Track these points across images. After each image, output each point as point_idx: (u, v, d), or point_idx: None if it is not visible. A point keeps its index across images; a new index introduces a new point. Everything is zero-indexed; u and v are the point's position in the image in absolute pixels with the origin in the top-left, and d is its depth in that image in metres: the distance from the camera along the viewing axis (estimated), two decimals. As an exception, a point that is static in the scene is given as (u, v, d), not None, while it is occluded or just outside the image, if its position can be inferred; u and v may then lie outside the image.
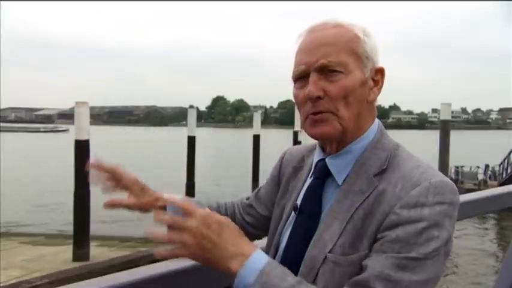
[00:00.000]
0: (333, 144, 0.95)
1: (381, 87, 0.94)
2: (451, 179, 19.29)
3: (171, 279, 1.08)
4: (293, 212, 1.00)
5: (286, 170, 1.11)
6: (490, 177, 20.88)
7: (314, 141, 1.03)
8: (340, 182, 0.92)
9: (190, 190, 14.44)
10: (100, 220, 14.14)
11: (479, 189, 8.48)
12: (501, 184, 17.54)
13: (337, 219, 0.87)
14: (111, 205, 1.10)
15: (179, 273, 1.09)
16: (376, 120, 0.96)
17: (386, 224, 0.81)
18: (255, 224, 1.19)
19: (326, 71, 0.89)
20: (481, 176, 20.77)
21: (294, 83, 0.95)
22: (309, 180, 1.01)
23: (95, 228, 11.84)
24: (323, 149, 0.99)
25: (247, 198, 1.23)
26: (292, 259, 0.92)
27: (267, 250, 1.04)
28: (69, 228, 11.31)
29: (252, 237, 1.16)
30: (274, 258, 0.97)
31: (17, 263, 9.62)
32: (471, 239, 13.52)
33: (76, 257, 10.07)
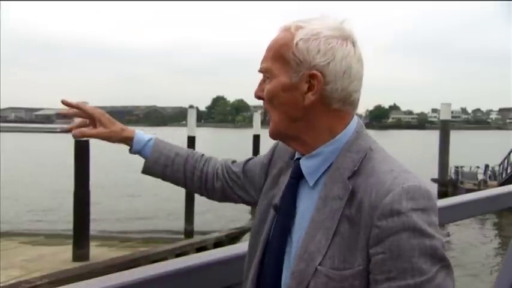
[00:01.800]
0: (294, 146, 0.97)
1: (317, 92, 0.89)
2: (451, 179, 19.35)
3: (171, 279, 1.08)
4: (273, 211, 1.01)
5: (277, 162, 1.09)
6: (490, 177, 20.87)
7: None
8: (311, 184, 0.92)
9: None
10: (100, 220, 14.15)
11: (479, 189, 8.49)
12: (501, 184, 17.52)
13: (320, 229, 0.86)
14: (81, 135, 1.20)
15: (179, 273, 1.09)
16: (353, 123, 0.93)
17: (373, 239, 0.80)
18: (236, 191, 1.22)
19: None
20: (481, 176, 20.76)
21: None
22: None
23: (94, 227, 11.85)
24: None
25: (233, 162, 1.26)
26: (273, 256, 0.96)
27: (254, 238, 1.03)
28: (69, 228, 11.31)
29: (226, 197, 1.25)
30: (263, 250, 0.99)
31: (17, 263, 9.62)
32: (471, 239, 13.52)
33: (76, 257, 10.06)
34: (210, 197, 1.28)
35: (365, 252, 0.81)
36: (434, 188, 20.97)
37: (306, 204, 0.92)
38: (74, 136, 1.21)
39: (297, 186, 0.96)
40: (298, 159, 0.97)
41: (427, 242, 0.78)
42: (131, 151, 1.23)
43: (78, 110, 1.22)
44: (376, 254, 0.79)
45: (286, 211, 0.95)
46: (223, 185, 1.22)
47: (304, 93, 0.90)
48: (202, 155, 1.29)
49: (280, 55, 0.91)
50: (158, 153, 1.21)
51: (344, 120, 0.92)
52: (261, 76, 0.97)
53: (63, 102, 1.23)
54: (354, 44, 0.91)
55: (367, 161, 0.87)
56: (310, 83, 0.89)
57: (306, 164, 0.94)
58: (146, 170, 1.24)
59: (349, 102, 0.91)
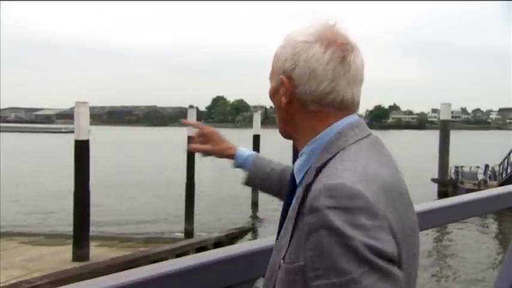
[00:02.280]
0: (296, 144, 1.01)
1: (287, 95, 0.94)
2: (451, 179, 19.33)
3: (171, 279, 1.08)
4: None
5: None
6: (490, 177, 20.88)
7: None
8: (297, 182, 0.95)
9: (190, 190, 14.45)
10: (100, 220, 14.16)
11: (479, 189, 8.49)
12: (501, 184, 17.53)
13: (289, 224, 0.89)
14: (194, 150, 1.42)
15: (179, 273, 1.09)
16: (338, 124, 0.93)
17: (305, 236, 0.80)
18: None
19: None
20: (481, 176, 20.77)
21: None
22: None
23: (94, 227, 11.86)
24: None
25: None
26: None
27: None
28: (69, 228, 11.32)
29: None
30: None
31: (17, 263, 9.63)
32: (471, 239, 13.53)
33: (76, 257, 10.07)
34: None
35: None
36: (434, 188, 21.04)
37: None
38: (189, 150, 1.45)
39: (293, 186, 0.98)
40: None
41: (347, 242, 0.74)
42: (234, 166, 1.41)
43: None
44: (306, 251, 0.80)
45: (283, 208, 0.99)
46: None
47: (281, 97, 0.96)
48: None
49: (272, 63, 1.01)
50: (256, 169, 1.37)
51: (325, 121, 0.93)
52: None
53: (184, 123, 1.69)
54: (327, 46, 0.91)
55: (332, 161, 0.87)
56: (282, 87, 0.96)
57: (296, 163, 0.99)
58: (246, 183, 1.40)
59: (327, 103, 0.92)
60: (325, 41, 0.92)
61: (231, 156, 1.40)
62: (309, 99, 0.93)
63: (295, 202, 0.90)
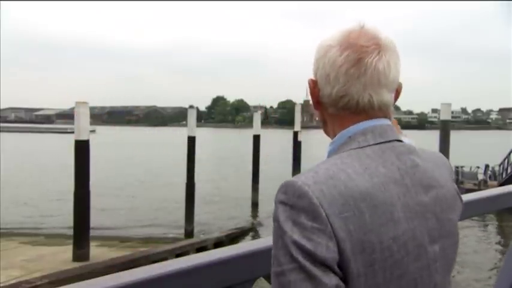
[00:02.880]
0: None
1: (313, 97, 0.99)
2: (451, 179, 19.43)
3: (171, 279, 1.08)
4: None
5: None
6: (490, 177, 20.86)
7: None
8: None
9: (190, 190, 14.45)
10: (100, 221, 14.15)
11: (479, 189, 8.48)
12: (501, 184, 17.53)
13: None
14: None
15: (179, 273, 1.09)
16: (353, 128, 0.92)
17: None
18: None
19: None
20: (481, 176, 20.75)
21: None
22: None
23: (95, 227, 11.83)
24: None
25: None
26: None
27: None
28: (69, 228, 11.32)
29: None
30: None
31: (17, 263, 9.63)
32: (471, 239, 13.53)
33: (76, 257, 10.07)
34: None
35: None
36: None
37: None
38: None
39: None
40: None
41: (283, 237, 0.78)
42: None
43: None
44: None
45: None
46: None
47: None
48: None
49: None
50: None
51: (342, 124, 0.94)
52: None
53: None
54: (345, 48, 0.91)
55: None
56: None
57: None
58: None
59: (341, 106, 0.92)
60: (344, 44, 0.91)
61: None
62: (328, 103, 0.95)
63: None
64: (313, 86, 0.97)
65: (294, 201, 0.79)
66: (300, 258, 0.76)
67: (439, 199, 0.91)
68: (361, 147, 0.89)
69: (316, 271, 0.76)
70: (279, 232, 0.79)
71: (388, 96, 0.93)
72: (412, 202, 0.86)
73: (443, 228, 0.91)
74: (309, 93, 1.00)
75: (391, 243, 0.81)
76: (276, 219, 0.80)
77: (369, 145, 0.89)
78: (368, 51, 0.90)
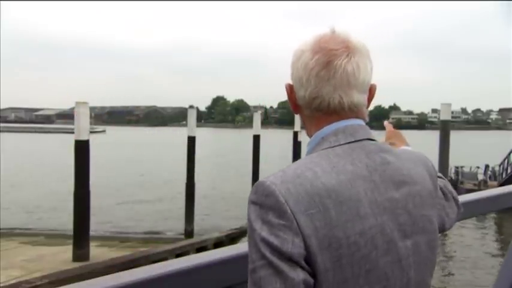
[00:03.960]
0: None
1: (290, 101, 1.02)
2: (451, 179, 19.33)
3: (171, 279, 1.08)
4: None
5: None
6: (490, 178, 20.88)
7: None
8: None
9: (190, 190, 14.45)
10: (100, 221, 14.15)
11: (479, 189, 8.49)
12: (501, 184, 17.54)
13: None
14: None
15: (179, 273, 1.09)
16: (326, 129, 0.95)
17: None
18: None
19: None
20: (481, 176, 20.77)
21: None
22: None
23: (95, 227, 11.83)
24: None
25: None
26: None
27: None
28: (69, 228, 11.31)
29: None
30: None
31: (17, 263, 9.63)
32: (471, 239, 13.53)
33: (76, 257, 10.07)
34: None
35: None
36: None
37: None
38: None
39: None
40: None
41: (253, 235, 0.82)
42: None
43: None
44: None
45: None
46: None
47: None
48: None
49: None
50: None
51: (317, 126, 0.97)
52: None
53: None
54: (316, 52, 0.94)
55: None
56: None
57: None
58: None
59: (315, 108, 0.96)
60: (315, 48, 0.95)
61: None
62: (303, 105, 0.99)
63: None
64: (290, 90, 1.00)
65: (262, 200, 0.82)
66: (268, 254, 0.79)
67: (412, 195, 0.92)
68: (332, 147, 0.91)
69: (284, 266, 0.78)
70: (250, 230, 0.83)
71: (358, 97, 0.95)
72: (380, 198, 0.87)
73: (416, 224, 0.92)
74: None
75: (358, 238, 0.82)
76: (248, 219, 0.84)
77: (340, 144, 0.92)
78: (337, 54, 0.93)
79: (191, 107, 17.94)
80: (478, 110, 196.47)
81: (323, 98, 0.94)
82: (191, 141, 14.90)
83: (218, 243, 11.82)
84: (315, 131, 0.97)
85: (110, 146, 49.55)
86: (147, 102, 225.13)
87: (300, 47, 0.98)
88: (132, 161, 35.63)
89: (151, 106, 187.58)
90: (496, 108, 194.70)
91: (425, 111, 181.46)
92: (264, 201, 0.82)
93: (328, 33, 0.97)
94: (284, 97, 1.06)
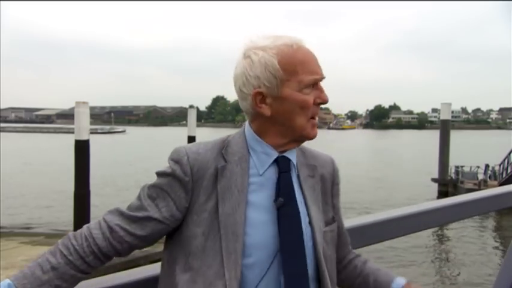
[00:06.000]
0: (299, 143, 1.11)
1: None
2: (451, 178, 19.30)
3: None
4: (274, 206, 1.02)
5: (202, 172, 1.04)
6: (490, 177, 20.86)
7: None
8: (297, 172, 1.10)
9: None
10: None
11: (479, 189, 8.48)
12: (501, 184, 17.53)
13: (314, 202, 1.10)
14: None
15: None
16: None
17: (334, 194, 1.18)
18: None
19: None
20: (481, 176, 20.75)
21: (304, 88, 1.02)
22: (267, 175, 1.05)
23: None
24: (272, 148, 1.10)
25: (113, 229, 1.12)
26: (294, 249, 1.02)
27: (230, 253, 0.98)
28: (70, 228, 11.30)
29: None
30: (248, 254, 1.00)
31: (17, 263, 9.62)
32: (471, 239, 13.52)
33: (76, 257, 10.06)
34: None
35: (332, 206, 1.17)
36: (434, 188, 21.04)
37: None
38: None
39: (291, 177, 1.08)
40: (282, 155, 1.08)
41: None
42: None
43: None
44: (336, 204, 1.21)
45: (293, 201, 1.05)
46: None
47: None
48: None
49: None
50: None
51: None
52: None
53: None
54: (244, 56, 1.14)
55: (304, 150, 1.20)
56: None
57: (294, 157, 1.11)
58: None
59: None
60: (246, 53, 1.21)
61: None
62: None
63: (313, 182, 1.17)
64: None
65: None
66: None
67: None
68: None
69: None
70: None
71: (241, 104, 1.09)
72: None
73: None
74: None
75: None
76: None
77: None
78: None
79: (191, 106, 17.96)
80: (478, 109, 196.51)
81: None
82: (191, 140, 14.90)
83: (218, 243, 11.79)
84: None
85: (129, 144, 51.18)
86: (147, 102, 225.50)
87: None
88: (142, 160, 35.58)
89: (151, 106, 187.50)
90: (496, 108, 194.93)
91: (426, 111, 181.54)
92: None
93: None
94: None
